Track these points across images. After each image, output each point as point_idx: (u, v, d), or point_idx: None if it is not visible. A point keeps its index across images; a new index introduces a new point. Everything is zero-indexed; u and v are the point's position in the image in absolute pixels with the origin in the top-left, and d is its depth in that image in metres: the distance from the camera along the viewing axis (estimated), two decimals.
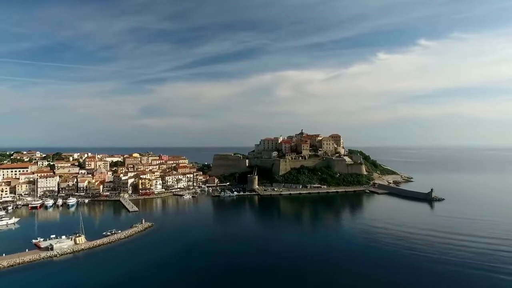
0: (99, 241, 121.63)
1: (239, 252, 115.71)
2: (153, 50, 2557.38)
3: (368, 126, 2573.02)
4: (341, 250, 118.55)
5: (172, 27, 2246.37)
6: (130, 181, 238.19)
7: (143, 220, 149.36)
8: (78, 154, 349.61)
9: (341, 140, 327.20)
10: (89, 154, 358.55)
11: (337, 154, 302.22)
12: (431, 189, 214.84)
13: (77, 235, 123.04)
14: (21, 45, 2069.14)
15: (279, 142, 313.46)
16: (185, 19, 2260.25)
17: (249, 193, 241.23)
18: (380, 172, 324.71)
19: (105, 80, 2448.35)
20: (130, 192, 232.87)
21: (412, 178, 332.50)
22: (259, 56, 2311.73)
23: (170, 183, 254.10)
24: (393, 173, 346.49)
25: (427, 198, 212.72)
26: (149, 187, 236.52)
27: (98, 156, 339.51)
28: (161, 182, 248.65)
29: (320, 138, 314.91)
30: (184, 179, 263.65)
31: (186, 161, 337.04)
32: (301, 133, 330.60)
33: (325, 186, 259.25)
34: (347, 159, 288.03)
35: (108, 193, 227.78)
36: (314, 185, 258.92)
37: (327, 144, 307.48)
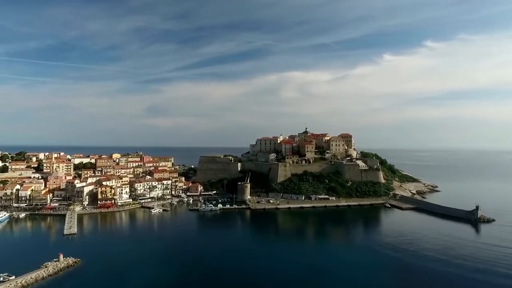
0: None
1: None
2: (158, 50, 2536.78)
3: (374, 127, 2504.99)
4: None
5: (176, 27, 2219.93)
6: (88, 189, 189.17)
7: (61, 256, 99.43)
8: (47, 153, 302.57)
9: (352, 141, 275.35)
10: (61, 153, 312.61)
11: (348, 158, 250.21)
12: (477, 206, 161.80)
13: None
14: (28, 44, 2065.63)
15: (278, 142, 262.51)
16: (190, 19, 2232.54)
17: (237, 206, 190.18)
18: (398, 179, 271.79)
19: (111, 80, 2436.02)
20: (86, 203, 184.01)
21: (437, 186, 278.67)
22: (264, 57, 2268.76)
23: (141, 191, 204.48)
24: (413, 180, 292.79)
25: (471, 218, 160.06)
26: (110, 197, 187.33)
27: (68, 156, 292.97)
28: (128, 190, 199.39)
29: (328, 138, 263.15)
30: (159, 186, 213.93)
31: (170, 163, 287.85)
32: (305, 132, 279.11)
33: (334, 198, 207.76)
34: (360, 163, 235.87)
35: (57, 205, 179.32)
36: (320, 196, 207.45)
37: (336, 145, 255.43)
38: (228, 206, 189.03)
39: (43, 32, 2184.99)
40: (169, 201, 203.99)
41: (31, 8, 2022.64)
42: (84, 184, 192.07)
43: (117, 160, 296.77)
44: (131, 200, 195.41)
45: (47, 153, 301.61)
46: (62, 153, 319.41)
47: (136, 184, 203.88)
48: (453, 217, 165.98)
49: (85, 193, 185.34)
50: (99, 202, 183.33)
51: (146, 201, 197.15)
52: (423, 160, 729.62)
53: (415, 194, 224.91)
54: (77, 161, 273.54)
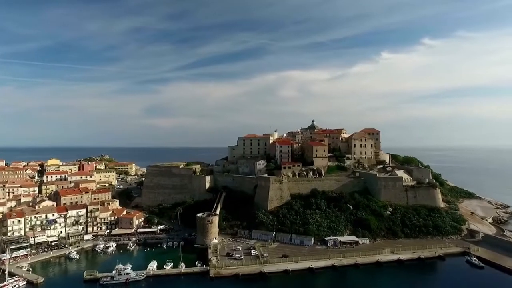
0: None
1: None
2: (156, 50, 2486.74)
3: (374, 126, 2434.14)
4: None
5: (173, 27, 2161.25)
6: None
7: None
8: None
9: (380, 141, 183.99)
10: None
11: (381, 166, 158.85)
12: None
13: None
14: (26, 45, 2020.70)
15: (270, 142, 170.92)
16: (186, 19, 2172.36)
17: (184, 267, 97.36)
18: (450, 195, 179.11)
19: (110, 81, 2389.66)
20: None
21: (509, 207, 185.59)
22: (262, 56, 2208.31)
23: (20, 232, 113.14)
24: (468, 195, 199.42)
25: None
26: None
27: None
28: None
29: (348, 136, 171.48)
30: (60, 220, 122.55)
31: (111, 175, 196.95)
32: (312, 127, 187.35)
33: (367, 240, 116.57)
34: (404, 176, 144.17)
35: None
36: (342, 239, 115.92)
37: (361, 145, 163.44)
38: (169, 267, 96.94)
39: (41, 33, 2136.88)
40: (67, 251, 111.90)
41: (29, 10, 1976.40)
42: None
43: (47, 169, 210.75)
44: None
45: None
46: None
47: (9, 221, 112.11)
48: None
49: None
50: None
51: (18, 254, 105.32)
52: (445, 160, 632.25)
53: (504, 232, 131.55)
54: None
